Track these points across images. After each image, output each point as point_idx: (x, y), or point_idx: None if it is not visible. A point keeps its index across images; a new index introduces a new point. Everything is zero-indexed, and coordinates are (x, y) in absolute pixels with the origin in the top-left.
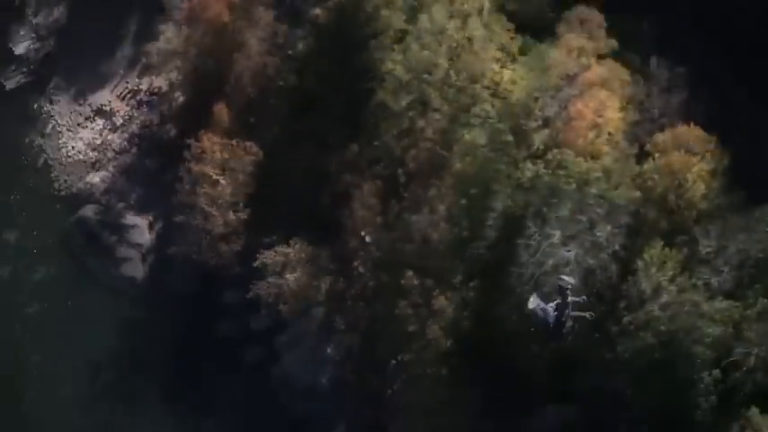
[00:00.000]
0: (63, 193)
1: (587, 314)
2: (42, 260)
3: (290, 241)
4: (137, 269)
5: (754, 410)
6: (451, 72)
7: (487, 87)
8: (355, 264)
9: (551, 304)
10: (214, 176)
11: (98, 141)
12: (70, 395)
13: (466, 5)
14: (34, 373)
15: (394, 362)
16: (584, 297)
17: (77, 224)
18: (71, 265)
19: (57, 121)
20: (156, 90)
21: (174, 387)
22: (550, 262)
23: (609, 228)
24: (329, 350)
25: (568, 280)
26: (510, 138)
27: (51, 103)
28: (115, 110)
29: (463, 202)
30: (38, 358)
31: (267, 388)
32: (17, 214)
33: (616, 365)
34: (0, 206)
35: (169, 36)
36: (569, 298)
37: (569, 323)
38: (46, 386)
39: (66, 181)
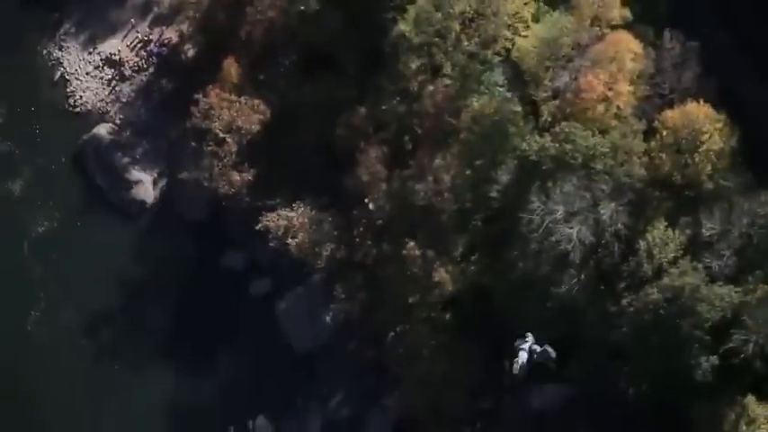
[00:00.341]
0: (78, 109)
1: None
2: (54, 178)
3: (294, 204)
4: (147, 193)
5: (751, 398)
6: (463, 36)
7: (499, 54)
8: (358, 231)
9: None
10: (221, 134)
11: (106, 91)
12: (73, 317)
13: None
14: (40, 293)
15: (393, 333)
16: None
17: (90, 142)
18: (82, 184)
19: (65, 68)
20: (166, 41)
21: (178, 323)
22: (553, 239)
23: (613, 205)
24: (327, 319)
25: (551, 353)
26: (519, 108)
27: (61, 50)
28: (125, 59)
29: (468, 172)
30: (43, 277)
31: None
32: (31, 129)
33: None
34: (14, 121)
35: None
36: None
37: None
38: (50, 306)
39: (81, 97)
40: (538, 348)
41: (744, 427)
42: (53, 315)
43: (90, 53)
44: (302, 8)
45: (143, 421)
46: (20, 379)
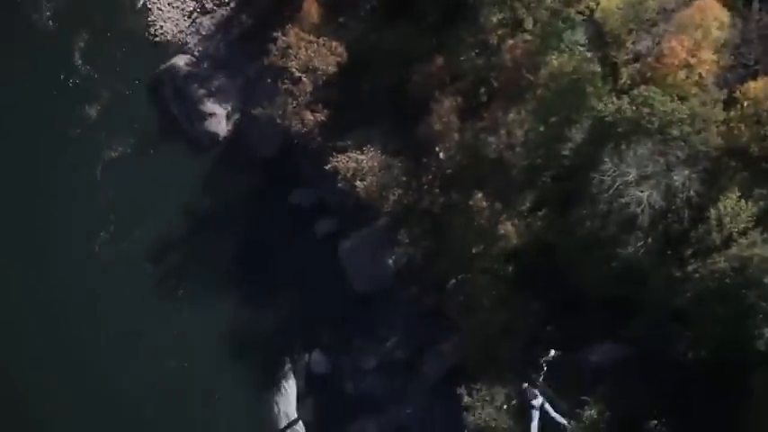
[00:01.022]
0: (158, 38)
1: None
2: (131, 104)
3: (364, 148)
4: (220, 126)
5: None
6: None
7: (582, 13)
8: (426, 179)
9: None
10: (297, 73)
11: (186, 23)
12: (140, 241)
13: None
14: (111, 215)
15: (454, 281)
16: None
17: (168, 72)
18: (158, 112)
19: None
20: None
21: (242, 254)
22: (623, 200)
23: (687, 172)
24: (390, 262)
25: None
26: (598, 69)
27: None
28: None
29: (542, 129)
30: (115, 200)
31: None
32: (110, 56)
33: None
34: (95, 46)
35: None
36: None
37: None
38: (119, 229)
39: (161, 27)
40: (550, 410)
41: None
42: (121, 237)
43: None
44: None
45: (200, 347)
46: (87, 294)
